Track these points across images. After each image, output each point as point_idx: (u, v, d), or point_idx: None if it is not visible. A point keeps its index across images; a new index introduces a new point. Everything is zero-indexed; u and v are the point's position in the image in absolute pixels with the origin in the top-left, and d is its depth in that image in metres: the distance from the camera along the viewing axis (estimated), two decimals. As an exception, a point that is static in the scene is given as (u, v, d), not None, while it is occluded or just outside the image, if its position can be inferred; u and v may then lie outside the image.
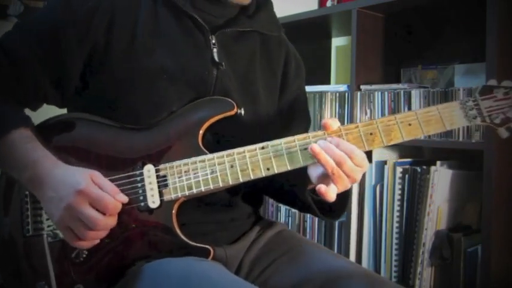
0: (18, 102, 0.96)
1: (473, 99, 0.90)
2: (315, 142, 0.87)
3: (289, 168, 0.88)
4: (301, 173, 0.93)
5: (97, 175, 0.86)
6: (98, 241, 0.87)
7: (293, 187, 1.02)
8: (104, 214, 0.84)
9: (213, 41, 0.99)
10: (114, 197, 0.85)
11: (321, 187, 0.85)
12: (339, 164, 0.84)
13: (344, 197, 0.96)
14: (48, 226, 0.91)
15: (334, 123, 0.88)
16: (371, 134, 0.89)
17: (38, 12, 1.00)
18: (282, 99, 1.11)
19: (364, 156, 0.87)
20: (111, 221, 0.85)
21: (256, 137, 0.90)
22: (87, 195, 0.83)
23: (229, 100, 0.95)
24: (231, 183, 0.89)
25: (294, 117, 1.13)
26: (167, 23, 0.97)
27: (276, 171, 0.88)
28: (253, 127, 1.01)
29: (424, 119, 0.89)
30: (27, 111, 0.98)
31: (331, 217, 1.03)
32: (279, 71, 1.11)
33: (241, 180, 0.89)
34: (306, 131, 1.17)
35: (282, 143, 0.88)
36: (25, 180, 0.89)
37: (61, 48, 0.93)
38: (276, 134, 0.93)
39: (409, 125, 0.89)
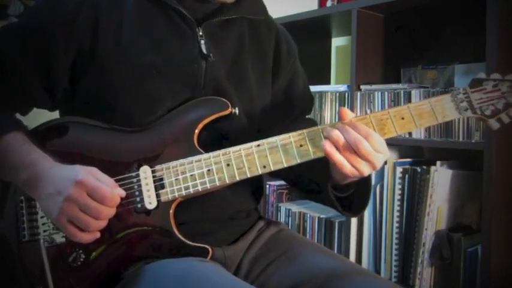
0: (8, 107, 0.95)
1: (464, 92, 0.90)
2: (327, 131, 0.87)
3: (285, 165, 0.89)
4: (321, 168, 0.94)
5: (95, 170, 0.85)
6: (98, 234, 0.85)
7: (316, 183, 1.01)
8: (102, 204, 0.82)
9: (200, 33, 0.98)
10: (112, 190, 0.84)
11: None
12: (356, 148, 0.84)
13: (363, 189, 0.98)
14: (44, 231, 0.90)
15: (350, 114, 0.89)
16: None
17: (24, 15, 0.99)
18: (278, 80, 1.10)
19: (382, 140, 0.87)
20: (112, 211, 0.84)
21: (252, 124, 0.90)
22: (85, 186, 0.81)
23: (223, 100, 0.95)
24: (227, 181, 0.89)
25: (294, 97, 1.12)
26: (153, 18, 0.96)
27: (272, 169, 0.89)
28: (247, 115, 1.01)
29: (417, 112, 0.90)
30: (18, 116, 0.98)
31: (352, 212, 1.03)
32: (270, 53, 1.10)
33: (237, 178, 0.89)
34: (309, 109, 1.18)
35: (277, 140, 0.89)
36: (22, 181, 0.87)
37: (48, 50, 0.91)
38: (275, 118, 0.92)
39: (402, 118, 0.89)
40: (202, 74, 0.97)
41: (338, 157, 0.85)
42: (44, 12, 0.93)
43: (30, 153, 0.88)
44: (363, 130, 0.85)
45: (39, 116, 1.00)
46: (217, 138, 0.97)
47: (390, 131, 0.89)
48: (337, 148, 0.85)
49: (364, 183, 0.98)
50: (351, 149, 0.85)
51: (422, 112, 0.90)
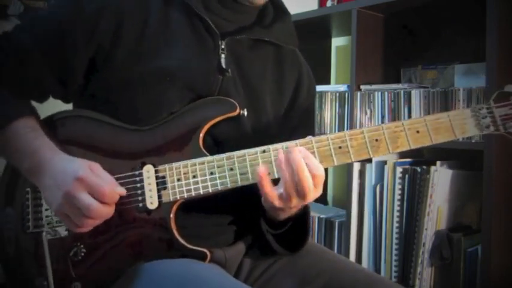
0: (23, 94, 0.96)
1: (487, 107, 0.85)
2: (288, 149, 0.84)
3: None
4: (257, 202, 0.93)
5: (96, 166, 0.86)
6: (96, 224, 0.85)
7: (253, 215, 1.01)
8: (101, 202, 0.83)
9: (222, 47, 0.97)
10: (112, 188, 0.84)
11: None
12: (297, 184, 0.82)
13: (300, 225, 0.97)
14: (48, 223, 0.92)
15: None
16: (376, 140, 0.85)
17: (47, 9, 1.00)
18: (290, 114, 1.08)
19: (323, 178, 0.84)
20: (107, 210, 0.84)
21: (256, 143, 0.89)
22: (85, 182, 0.82)
23: (232, 101, 0.94)
24: (229, 186, 0.88)
25: (299, 132, 1.09)
26: (177, 25, 0.96)
27: (276, 176, 0.86)
28: (255, 134, 0.99)
29: (433, 127, 0.84)
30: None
31: (288, 248, 0.99)
32: (291, 85, 1.08)
33: (239, 183, 0.88)
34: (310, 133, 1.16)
35: (283, 147, 0.86)
36: (25, 169, 0.89)
37: (67, 46, 0.92)
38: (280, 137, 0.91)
39: (417, 132, 0.85)
40: (217, 88, 0.96)
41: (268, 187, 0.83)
42: (67, 9, 0.93)
43: (34, 141, 0.88)
44: (312, 165, 0.83)
45: (55, 106, 1.01)
46: (223, 142, 0.95)
47: (403, 145, 0.85)
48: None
49: (301, 219, 0.96)
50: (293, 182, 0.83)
51: (440, 127, 0.84)
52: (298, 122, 1.10)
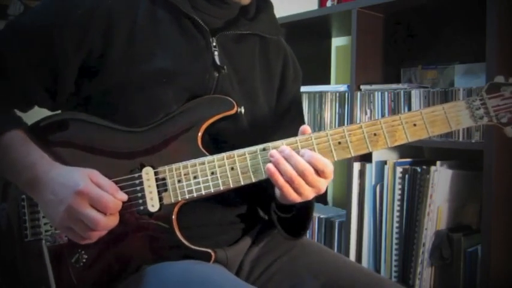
0: (8, 104, 0.94)
1: (480, 98, 0.87)
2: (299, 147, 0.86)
3: None
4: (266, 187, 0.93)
5: (95, 174, 0.85)
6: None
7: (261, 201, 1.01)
8: (105, 213, 0.82)
9: (214, 44, 0.97)
10: (114, 196, 0.83)
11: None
12: (302, 176, 0.83)
13: (304, 211, 0.97)
14: (47, 231, 0.90)
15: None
16: (375, 134, 0.87)
17: (31, 13, 0.96)
18: (279, 102, 1.10)
19: (330, 166, 0.84)
20: (112, 221, 0.84)
21: (254, 138, 0.89)
22: (86, 196, 0.81)
23: (229, 99, 0.93)
24: (232, 186, 0.88)
25: (289, 121, 1.11)
26: (166, 25, 0.95)
27: None
28: (252, 129, 1.00)
29: (430, 119, 0.87)
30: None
31: (292, 234, 1.01)
32: (277, 74, 1.10)
33: (242, 183, 0.87)
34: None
35: (283, 144, 0.86)
36: (22, 183, 0.87)
37: (54, 52, 0.89)
38: (272, 136, 0.91)
39: (414, 125, 0.87)
40: (213, 86, 0.96)
41: (282, 182, 0.84)
42: (53, 13, 0.91)
43: (29, 155, 0.87)
44: (312, 159, 0.83)
45: (39, 113, 0.99)
46: (221, 139, 0.95)
47: (401, 138, 0.87)
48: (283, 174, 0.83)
49: (305, 205, 0.96)
50: (298, 177, 0.83)
51: (436, 119, 0.87)
52: (291, 108, 1.11)
